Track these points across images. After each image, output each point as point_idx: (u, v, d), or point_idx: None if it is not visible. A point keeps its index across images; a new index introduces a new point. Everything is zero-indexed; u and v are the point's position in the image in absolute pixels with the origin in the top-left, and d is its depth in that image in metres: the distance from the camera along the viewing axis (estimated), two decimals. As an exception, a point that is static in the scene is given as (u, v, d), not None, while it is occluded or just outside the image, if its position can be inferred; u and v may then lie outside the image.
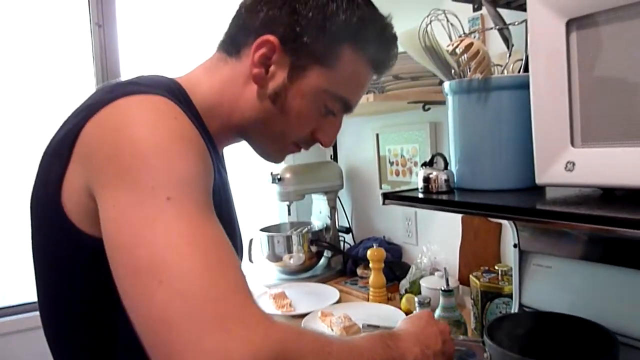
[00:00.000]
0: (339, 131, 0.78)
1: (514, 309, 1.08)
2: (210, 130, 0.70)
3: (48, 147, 0.61)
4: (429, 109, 1.41)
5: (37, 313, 0.66)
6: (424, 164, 0.87)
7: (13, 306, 1.75)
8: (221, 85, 0.71)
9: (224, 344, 0.42)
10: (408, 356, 0.67)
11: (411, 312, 1.30)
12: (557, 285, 1.01)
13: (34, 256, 0.64)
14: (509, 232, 1.20)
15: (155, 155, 0.50)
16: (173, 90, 0.65)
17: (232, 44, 0.71)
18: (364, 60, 0.71)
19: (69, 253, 0.59)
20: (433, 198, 0.83)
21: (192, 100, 0.69)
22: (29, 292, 1.74)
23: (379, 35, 0.72)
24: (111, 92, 0.56)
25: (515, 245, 1.08)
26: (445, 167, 0.87)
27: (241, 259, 0.81)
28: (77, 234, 0.56)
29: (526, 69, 0.75)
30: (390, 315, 1.40)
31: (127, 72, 1.86)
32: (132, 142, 0.51)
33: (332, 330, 1.32)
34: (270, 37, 0.67)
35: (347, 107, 0.75)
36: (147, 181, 0.49)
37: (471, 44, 0.78)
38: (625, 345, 0.85)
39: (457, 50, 0.80)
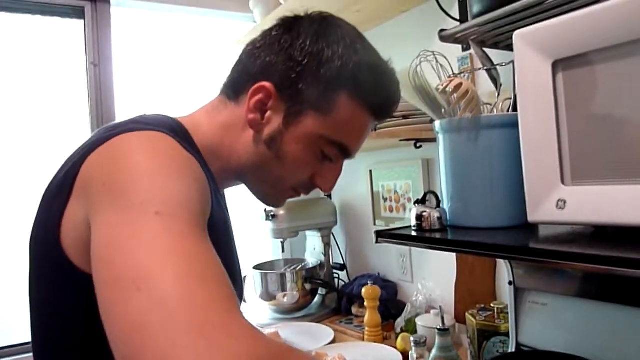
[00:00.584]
0: (339, 178, 0.77)
1: (511, 348, 1.06)
2: (212, 170, 0.71)
3: (49, 187, 0.61)
4: (420, 146, 1.42)
5: (31, 355, 0.64)
6: (417, 202, 0.87)
7: (6, 347, 1.71)
8: (221, 129, 0.72)
9: (202, 352, 0.39)
10: None
11: (407, 352, 1.28)
12: (553, 322, 1.00)
13: (31, 296, 0.63)
14: (503, 268, 1.19)
15: (148, 177, 0.50)
16: (175, 129, 0.66)
17: (232, 88, 0.73)
18: (362, 106, 0.71)
19: (65, 293, 0.58)
20: (426, 237, 0.83)
21: (195, 140, 0.69)
22: (22, 334, 1.71)
23: (377, 81, 0.72)
24: (112, 130, 0.57)
25: (510, 283, 1.07)
26: (438, 205, 0.87)
27: (241, 299, 0.80)
28: (74, 272, 0.55)
29: (515, 108, 0.76)
30: (386, 356, 1.38)
31: (122, 111, 1.87)
32: (127, 168, 0.51)
33: (326, 371, 1.29)
34: (266, 84, 0.68)
35: (346, 153, 0.74)
36: (137, 198, 0.48)
37: (460, 84, 0.79)
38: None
39: (447, 90, 0.82)
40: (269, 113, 0.69)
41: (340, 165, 0.76)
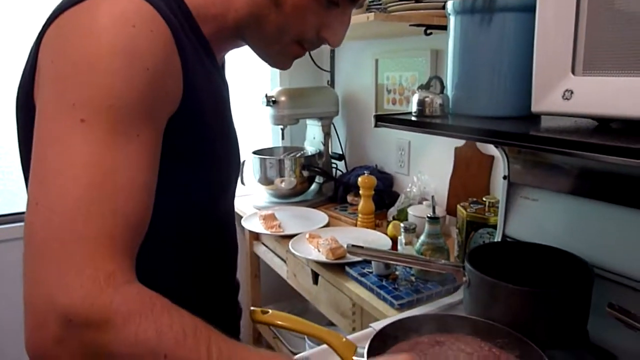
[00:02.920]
0: (347, 31, 0.71)
1: (497, 238, 1.09)
2: (207, 34, 0.66)
3: (29, 54, 0.59)
4: (430, 33, 1.36)
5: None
6: (420, 87, 0.85)
7: (12, 214, 1.77)
8: None
9: (56, 280, 0.44)
10: None
11: (397, 238, 1.33)
12: (541, 218, 1.02)
13: (23, 165, 0.63)
14: (500, 165, 1.20)
15: (90, 70, 0.49)
16: None
17: None
18: None
19: None
20: (426, 122, 0.81)
21: (185, 0, 0.64)
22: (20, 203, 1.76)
23: None
24: None
25: (505, 177, 1.08)
26: (442, 91, 0.84)
27: (237, 178, 0.79)
28: None
29: (535, -9, 0.71)
30: (376, 240, 1.43)
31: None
32: (77, 52, 0.50)
33: (319, 251, 1.35)
34: None
35: None
36: (71, 97, 0.49)
37: (479, -41, 0.73)
38: (601, 277, 0.87)
39: (464, -34, 0.76)
40: None
41: (349, 15, 0.70)
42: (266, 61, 0.73)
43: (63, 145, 0.48)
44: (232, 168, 0.74)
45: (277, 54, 0.71)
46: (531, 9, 0.68)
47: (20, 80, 0.59)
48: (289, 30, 0.67)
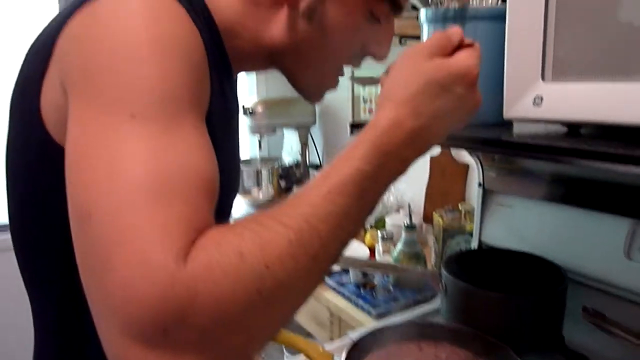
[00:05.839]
0: (392, 42, 0.66)
1: (474, 245, 1.10)
2: (230, 49, 0.60)
3: (32, 45, 0.54)
4: (405, 42, 1.37)
5: (9, 236, 0.61)
6: (394, 95, 0.85)
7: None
8: (245, 4, 0.60)
9: (121, 294, 0.37)
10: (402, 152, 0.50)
11: (374, 247, 1.33)
12: (516, 224, 1.04)
13: (7, 170, 0.58)
14: (475, 173, 1.21)
15: (131, 64, 0.44)
16: None
17: None
18: None
19: (43, 166, 0.53)
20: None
21: (212, 11, 0.58)
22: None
23: None
24: None
25: (480, 185, 1.09)
26: (415, 99, 0.85)
27: (236, 191, 0.76)
28: (54, 146, 0.50)
29: (504, 1, 0.72)
30: (354, 249, 1.43)
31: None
32: (108, 49, 0.45)
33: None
34: None
35: (397, 7, 0.62)
36: (113, 92, 0.43)
37: (450, -32, 0.74)
38: (575, 282, 0.88)
39: (436, -25, 0.77)
40: None
41: (392, 26, 0.65)
42: (302, 92, 0.67)
43: (113, 145, 0.41)
44: (234, 183, 0.72)
45: (316, 85, 0.66)
46: (501, 18, 0.69)
47: (19, 81, 0.54)
48: (334, 56, 0.62)
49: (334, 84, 0.67)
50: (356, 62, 0.67)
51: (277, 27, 0.60)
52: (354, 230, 0.48)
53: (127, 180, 0.40)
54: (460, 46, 0.52)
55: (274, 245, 0.40)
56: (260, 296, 0.39)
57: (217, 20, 0.58)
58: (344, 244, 0.47)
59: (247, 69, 0.68)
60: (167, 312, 0.37)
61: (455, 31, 0.52)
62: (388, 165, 0.49)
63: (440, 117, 0.50)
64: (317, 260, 0.43)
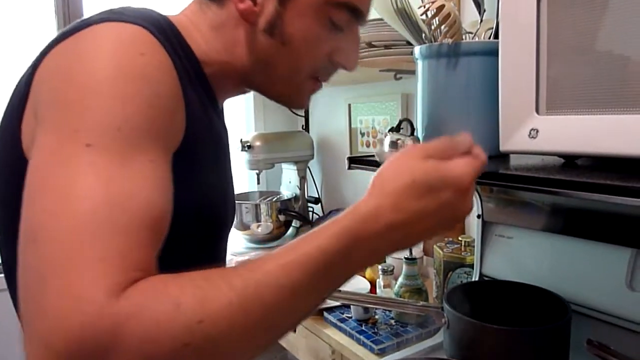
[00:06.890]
0: (359, 51, 0.68)
1: (475, 278, 1.09)
2: (210, 76, 0.63)
3: (18, 83, 0.55)
4: (400, 77, 1.39)
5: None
6: (391, 129, 0.86)
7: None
8: (212, 31, 0.62)
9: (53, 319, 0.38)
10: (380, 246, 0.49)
11: (375, 281, 1.31)
12: (517, 255, 1.03)
13: None
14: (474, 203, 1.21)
15: (93, 95, 0.45)
16: (163, 27, 0.57)
17: None
18: None
19: (17, 188, 0.51)
20: (398, 163, 0.82)
21: (188, 42, 0.61)
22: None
23: None
24: (85, 20, 0.51)
25: (479, 216, 1.09)
26: (412, 133, 0.86)
27: (232, 223, 0.75)
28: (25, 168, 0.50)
29: (496, 36, 0.74)
30: (354, 283, 1.41)
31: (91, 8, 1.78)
32: (79, 76, 0.46)
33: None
34: None
35: (357, 14, 0.63)
36: (74, 123, 0.44)
37: (442, 6, 0.76)
38: (578, 313, 0.87)
39: (429, 13, 0.79)
40: None
41: (357, 34, 0.66)
42: (282, 103, 0.69)
43: (65, 172, 0.42)
44: (228, 209, 0.71)
45: (292, 94, 0.67)
46: (494, 53, 0.71)
47: (7, 108, 0.55)
48: (302, 67, 0.64)
49: (313, 87, 0.68)
50: (327, 76, 0.68)
51: (242, 47, 0.62)
52: (311, 304, 0.48)
53: (73, 209, 0.41)
54: (466, 153, 0.51)
55: (213, 303, 0.40)
56: (187, 349, 0.39)
57: (195, 50, 0.61)
58: (298, 316, 0.47)
59: (231, 94, 0.70)
60: (91, 344, 0.37)
61: (465, 139, 0.52)
62: (357, 251, 0.48)
63: (423, 218, 0.49)
64: (259, 327, 0.43)
